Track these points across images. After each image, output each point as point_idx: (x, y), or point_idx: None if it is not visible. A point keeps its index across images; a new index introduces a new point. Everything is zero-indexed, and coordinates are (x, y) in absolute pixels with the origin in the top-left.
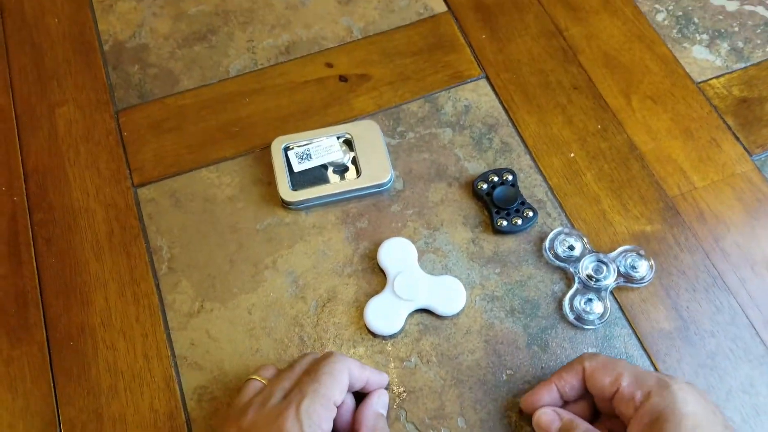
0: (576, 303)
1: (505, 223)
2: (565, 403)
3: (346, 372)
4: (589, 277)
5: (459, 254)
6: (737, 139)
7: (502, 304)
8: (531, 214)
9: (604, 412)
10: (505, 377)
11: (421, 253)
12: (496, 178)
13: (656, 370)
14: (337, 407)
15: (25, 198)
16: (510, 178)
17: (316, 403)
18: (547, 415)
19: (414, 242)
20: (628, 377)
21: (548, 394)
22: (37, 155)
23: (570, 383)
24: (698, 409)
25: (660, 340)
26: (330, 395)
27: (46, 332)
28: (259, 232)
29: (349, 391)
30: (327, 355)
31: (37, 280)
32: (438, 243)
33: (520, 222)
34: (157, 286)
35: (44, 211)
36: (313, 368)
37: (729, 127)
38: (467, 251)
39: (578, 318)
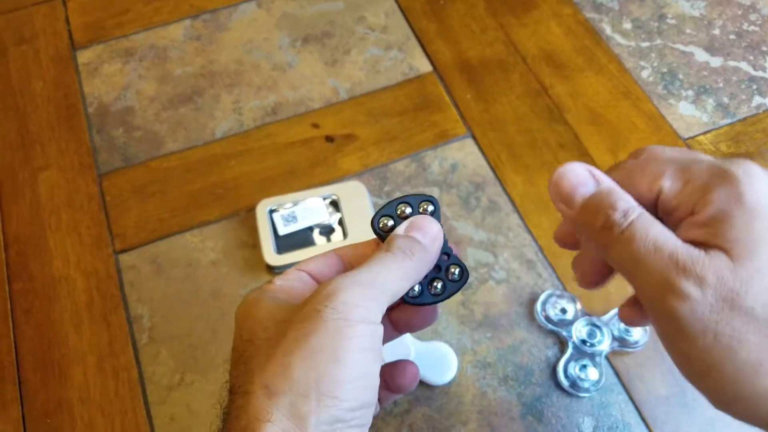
0: (570, 369)
1: (417, 289)
2: None
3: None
4: (583, 341)
5: (449, 318)
6: None
7: (494, 371)
8: (457, 273)
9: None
10: None
11: None
12: (409, 210)
13: None
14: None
15: (5, 267)
16: (430, 208)
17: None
18: (575, 173)
19: None
20: (671, 174)
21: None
22: (18, 223)
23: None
24: None
25: (657, 407)
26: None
27: (23, 409)
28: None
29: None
30: None
31: (14, 354)
32: None
33: (440, 287)
34: (137, 357)
35: (24, 281)
36: None
37: None
38: (457, 314)
39: (573, 385)
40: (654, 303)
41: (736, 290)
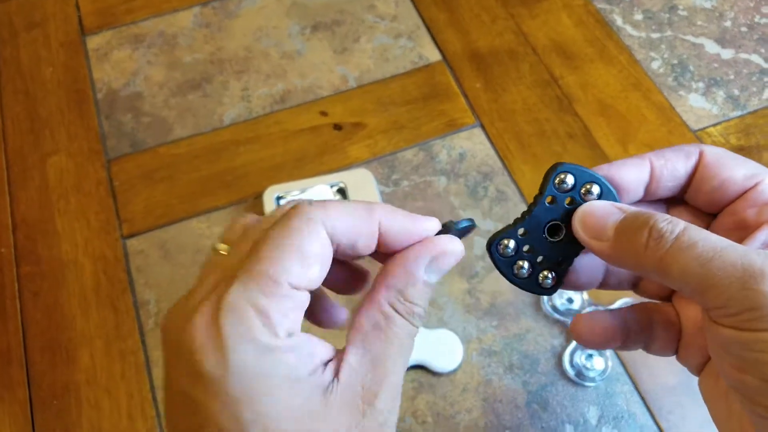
0: (576, 358)
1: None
2: (645, 201)
3: (319, 227)
4: None
5: (455, 306)
6: None
7: (500, 359)
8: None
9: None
10: None
11: None
12: (570, 181)
13: (659, 428)
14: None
15: (13, 250)
16: (598, 190)
17: (250, 292)
18: (600, 207)
19: None
20: None
21: (637, 171)
22: (26, 206)
23: (674, 166)
24: None
25: (663, 396)
26: (278, 274)
27: (29, 391)
28: None
29: (344, 256)
30: (290, 211)
31: (21, 336)
32: (433, 294)
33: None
34: (143, 342)
35: (32, 264)
36: (266, 233)
37: None
38: (463, 303)
39: (579, 374)
40: (736, 298)
41: None
